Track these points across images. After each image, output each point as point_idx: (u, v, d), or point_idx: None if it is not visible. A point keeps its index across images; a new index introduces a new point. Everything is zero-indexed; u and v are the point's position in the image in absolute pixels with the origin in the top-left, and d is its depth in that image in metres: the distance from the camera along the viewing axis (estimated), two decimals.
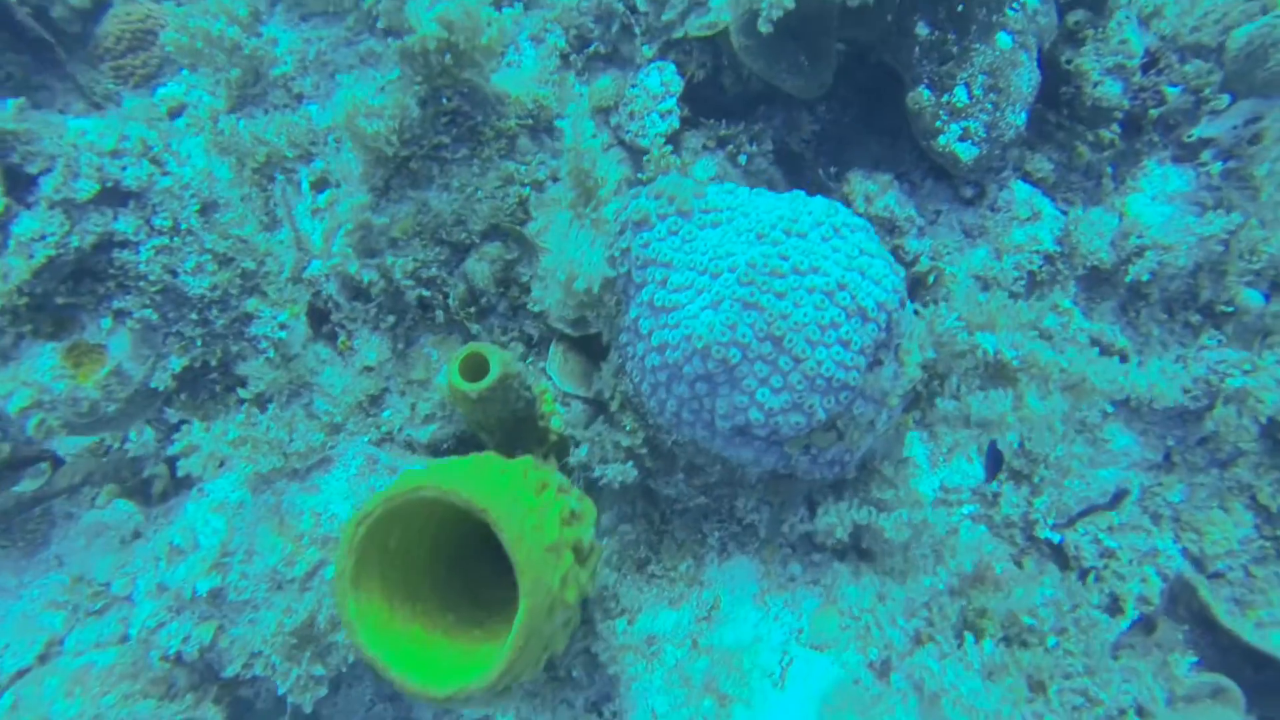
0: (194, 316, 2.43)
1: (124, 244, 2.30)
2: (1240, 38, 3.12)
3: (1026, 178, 3.35)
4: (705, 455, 2.39)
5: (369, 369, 2.83)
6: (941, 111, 2.95)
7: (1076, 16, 3.25)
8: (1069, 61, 3.24)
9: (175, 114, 3.65)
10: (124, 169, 2.27)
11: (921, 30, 2.89)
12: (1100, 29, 3.23)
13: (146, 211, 2.33)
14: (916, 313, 2.68)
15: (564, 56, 3.00)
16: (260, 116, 3.45)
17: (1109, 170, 3.39)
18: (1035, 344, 2.44)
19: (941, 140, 2.96)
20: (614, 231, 2.21)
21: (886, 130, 3.40)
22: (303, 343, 2.92)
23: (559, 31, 2.99)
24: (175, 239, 2.37)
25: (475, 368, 2.28)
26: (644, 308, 2.16)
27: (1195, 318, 3.40)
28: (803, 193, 2.28)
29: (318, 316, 3.00)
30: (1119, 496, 3.06)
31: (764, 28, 2.37)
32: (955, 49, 2.92)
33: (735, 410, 2.07)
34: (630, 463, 2.42)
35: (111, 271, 2.31)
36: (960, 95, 2.93)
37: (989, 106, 2.96)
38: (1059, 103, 3.34)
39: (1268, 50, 3.04)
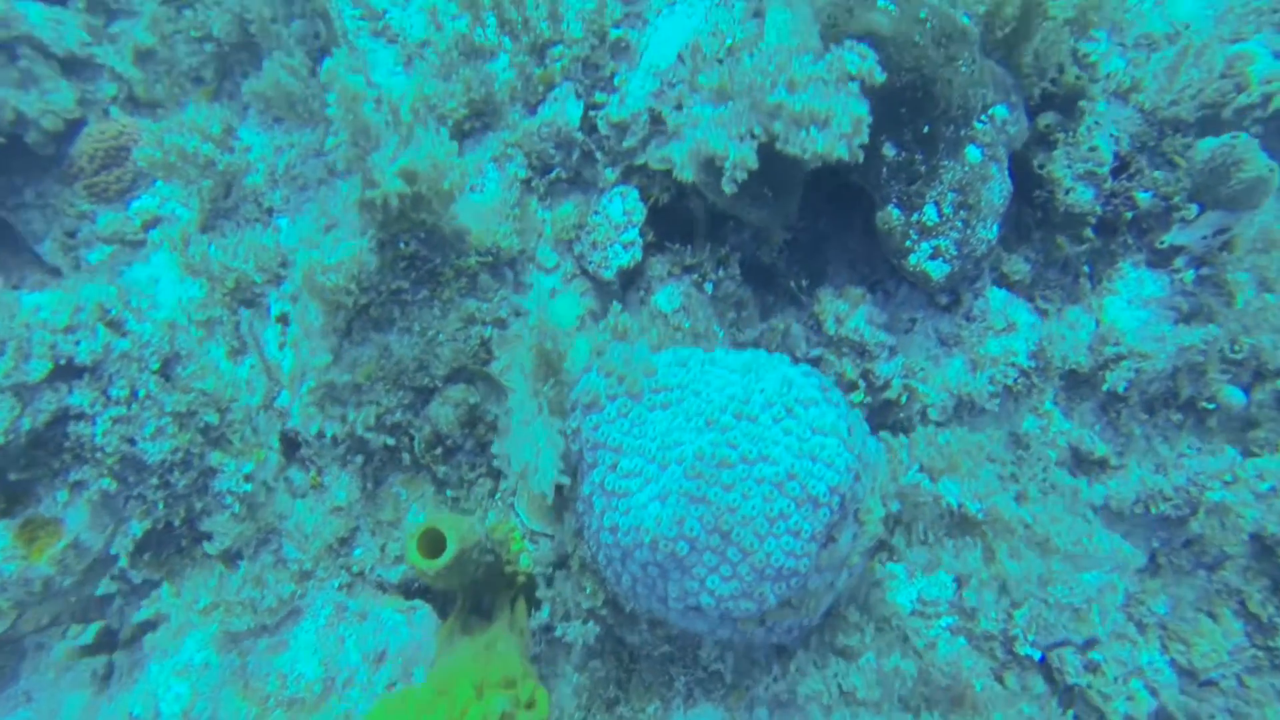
0: (154, 481, 2.43)
1: (80, 417, 2.30)
2: (1204, 151, 3.08)
3: (1003, 279, 3.31)
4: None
5: (339, 509, 2.82)
6: (911, 231, 2.91)
7: (1047, 120, 3.21)
8: (1041, 166, 3.20)
9: (149, 226, 3.66)
10: (78, 344, 2.27)
11: (888, 151, 2.85)
12: (1071, 133, 3.19)
13: (103, 382, 2.33)
14: (881, 438, 2.66)
15: (526, 182, 2.98)
16: (231, 232, 3.45)
17: (1085, 269, 3.35)
18: (999, 497, 2.41)
19: (912, 260, 2.92)
20: (568, 407, 2.20)
21: (863, 229, 3.37)
22: (274, 474, 2.92)
23: (520, 158, 2.97)
24: (133, 406, 2.37)
25: (434, 540, 2.28)
26: (596, 488, 2.14)
27: (1176, 416, 3.36)
28: (763, 354, 2.26)
29: (290, 443, 3.00)
30: (1090, 643, 3.03)
31: (728, 188, 2.34)
32: (923, 168, 2.89)
33: (686, 594, 2.06)
34: (591, 622, 2.41)
35: (67, 445, 2.31)
36: (930, 214, 2.90)
37: (959, 225, 2.92)
38: (1034, 204, 3.30)
39: (1229, 169, 3.00)
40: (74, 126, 3.56)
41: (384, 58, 3.89)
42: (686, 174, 2.37)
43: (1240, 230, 3.07)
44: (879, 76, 2.25)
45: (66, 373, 2.28)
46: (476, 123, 3.10)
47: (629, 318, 2.31)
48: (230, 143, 3.57)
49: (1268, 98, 3.47)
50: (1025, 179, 3.25)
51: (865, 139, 2.28)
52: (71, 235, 3.54)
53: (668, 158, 2.73)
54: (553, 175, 2.97)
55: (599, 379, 2.14)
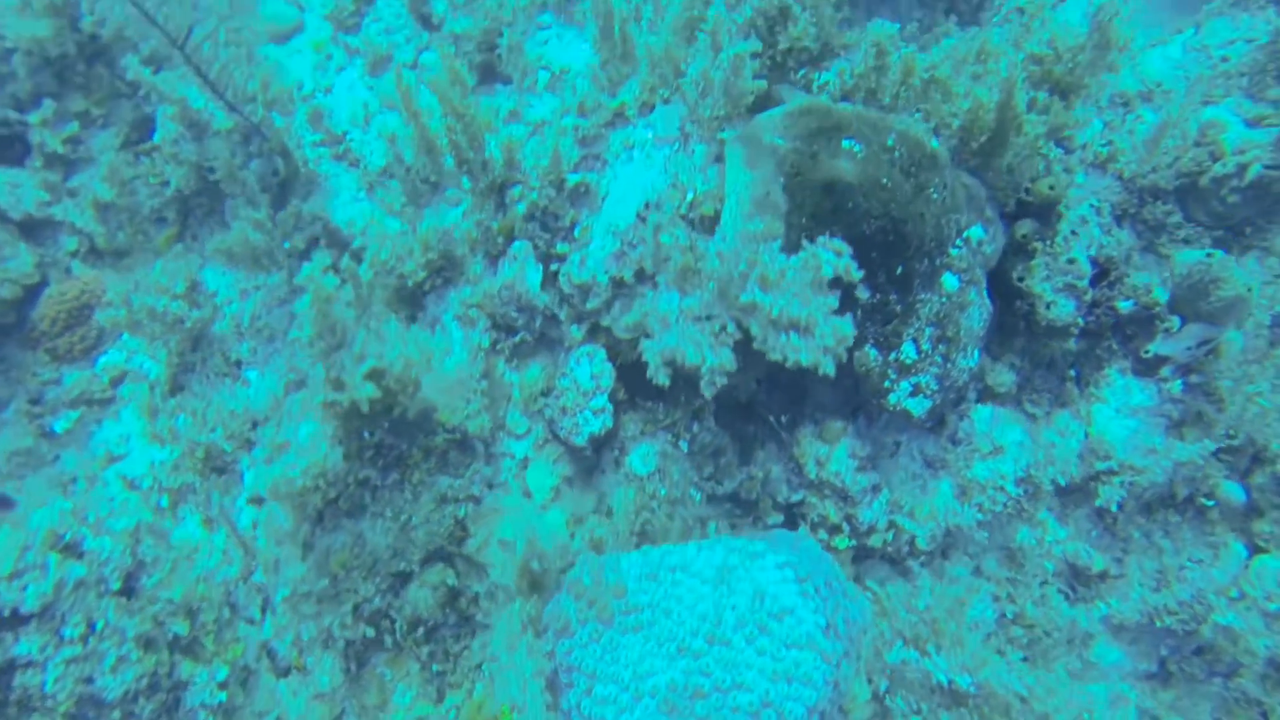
0: (116, 715, 2.36)
1: (28, 665, 2.23)
2: (1182, 266, 3.01)
3: (987, 392, 3.23)
4: None
5: (321, 695, 2.76)
6: (890, 370, 2.84)
7: (1024, 229, 3.13)
8: (1021, 279, 3.12)
9: (118, 382, 3.60)
10: (24, 589, 2.21)
11: (861, 294, 2.77)
12: (1049, 241, 3.11)
13: (54, 623, 2.26)
14: (869, 589, 2.58)
15: (491, 345, 2.91)
16: (200, 388, 3.41)
17: (1072, 374, 3.28)
18: (989, 669, 2.34)
19: (892, 399, 2.84)
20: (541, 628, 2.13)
21: None
22: (255, 654, 2.85)
23: (483, 322, 2.90)
24: (90, 642, 2.30)
25: None
26: (574, 708, 2.08)
27: (1175, 517, 3.27)
28: (736, 549, 2.19)
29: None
30: None
31: (708, 392, 2.27)
32: (899, 307, 2.81)
33: None
34: None
35: (13, 698, 2.24)
36: (908, 352, 2.82)
37: (939, 360, 2.84)
38: (1016, 313, 3.22)
39: (1207, 286, 2.93)
40: (34, 290, 3.51)
41: (346, 183, 3.84)
42: (662, 379, 2.30)
43: (1226, 338, 2.99)
44: (856, 274, 2.19)
45: (12, 621, 2.22)
46: (437, 279, 3.03)
47: (605, 527, 2.25)
48: (196, 297, 3.52)
49: (1243, 167, 3.40)
50: (1005, 288, 3.17)
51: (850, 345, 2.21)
52: (35, 402, 3.48)
53: (635, 327, 2.65)
54: (517, 339, 2.90)
55: (570, 602, 2.07)
